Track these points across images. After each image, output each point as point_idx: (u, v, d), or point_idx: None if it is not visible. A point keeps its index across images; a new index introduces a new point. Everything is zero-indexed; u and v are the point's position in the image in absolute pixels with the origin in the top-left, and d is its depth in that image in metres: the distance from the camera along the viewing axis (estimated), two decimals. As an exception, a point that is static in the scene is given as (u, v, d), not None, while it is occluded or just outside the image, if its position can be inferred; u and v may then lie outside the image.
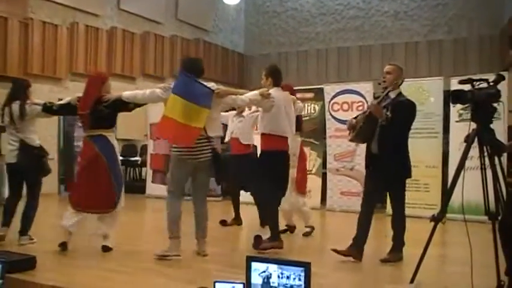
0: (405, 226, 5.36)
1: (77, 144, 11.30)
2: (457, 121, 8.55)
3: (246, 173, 7.13)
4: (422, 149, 8.75)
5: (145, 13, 14.34)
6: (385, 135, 5.09)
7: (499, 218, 3.81)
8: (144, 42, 14.22)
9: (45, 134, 11.28)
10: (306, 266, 3.14)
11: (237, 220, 7.77)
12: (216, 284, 3.36)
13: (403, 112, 5.10)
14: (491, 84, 3.77)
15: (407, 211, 8.53)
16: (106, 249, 5.51)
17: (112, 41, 13.31)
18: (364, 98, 9.39)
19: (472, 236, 3.95)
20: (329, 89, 10.01)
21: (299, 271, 3.14)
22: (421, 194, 8.81)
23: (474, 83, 3.78)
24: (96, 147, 5.43)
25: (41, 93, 10.37)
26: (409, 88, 9.04)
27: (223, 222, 7.67)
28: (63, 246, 5.43)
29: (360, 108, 9.18)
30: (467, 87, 3.86)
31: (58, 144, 12.09)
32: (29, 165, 5.78)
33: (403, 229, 5.34)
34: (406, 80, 9.68)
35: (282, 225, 6.32)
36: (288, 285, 3.18)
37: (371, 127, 5.15)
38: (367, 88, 9.50)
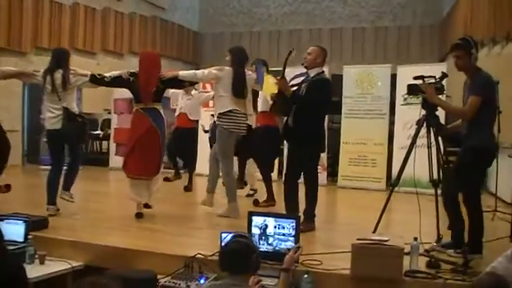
0: (316, 199, 5.69)
1: (44, 117, 11.73)
2: (402, 104, 9.57)
3: (188, 144, 8.66)
4: (371, 128, 9.81)
5: (106, -11, 14.72)
6: (300, 110, 5.50)
7: (440, 184, 4.82)
8: (104, 18, 14.58)
9: (8, 104, 11.72)
10: (297, 218, 4.04)
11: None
12: (222, 234, 4.20)
13: (315, 89, 5.50)
14: (438, 80, 4.74)
15: (358, 184, 9.71)
16: (148, 206, 6.29)
17: (74, 16, 13.62)
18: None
19: (416, 204, 4.88)
20: (288, 72, 10.81)
21: (291, 222, 4.04)
22: (369, 169, 9.85)
23: (425, 79, 4.73)
24: (151, 119, 5.99)
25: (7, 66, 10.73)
26: (360, 73, 10.07)
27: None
28: (139, 214, 6.10)
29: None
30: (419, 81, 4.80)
31: (22, 116, 12.45)
32: (73, 131, 6.03)
33: (314, 202, 5.65)
34: (357, 66, 10.77)
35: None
36: (281, 234, 4.07)
37: (283, 101, 5.65)
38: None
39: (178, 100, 8.98)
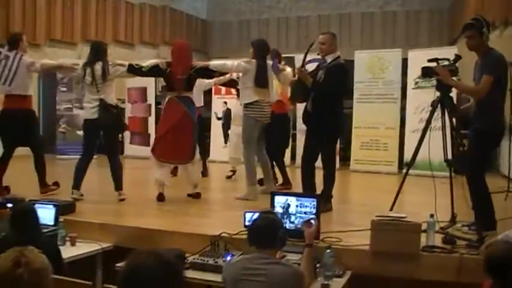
0: (334, 181, 5.89)
1: (59, 108, 11.98)
2: (413, 88, 9.69)
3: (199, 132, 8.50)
4: (382, 112, 9.95)
5: (115, -20, 14.85)
6: (319, 95, 5.68)
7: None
8: (115, 9, 14.73)
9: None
10: (317, 198, 4.21)
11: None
12: (246, 213, 4.39)
13: (334, 75, 5.65)
14: (452, 62, 4.88)
15: (370, 167, 9.87)
16: (198, 195, 6.52)
17: (86, 8, 13.78)
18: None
19: (428, 186, 5.07)
20: (300, 58, 10.96)
21: (312, 201, 4.22)
22: (380, 153, 9.98)
23: (439, 61, 4.86)
24: (185, 106, 6.29)
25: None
26: (371, 58, 10.18)
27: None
28: (161, 196, 6.33)
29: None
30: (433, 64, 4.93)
31: (38, 106, 12.64)
32: (108, 122, 6.23)
33: (331, 184, 5.85)
34: (368, 51, 10.86)
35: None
36: (303, 212, 4.26)
37: (302, 89, 5.82)
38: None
39: None
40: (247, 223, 4.42)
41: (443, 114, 4.97)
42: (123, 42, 14.99)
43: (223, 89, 10.84)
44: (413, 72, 9.62)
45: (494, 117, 4.69)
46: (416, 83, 9.58)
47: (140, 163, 9.80)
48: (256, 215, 3.54)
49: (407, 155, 9.42)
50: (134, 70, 6.41)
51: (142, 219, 5.31)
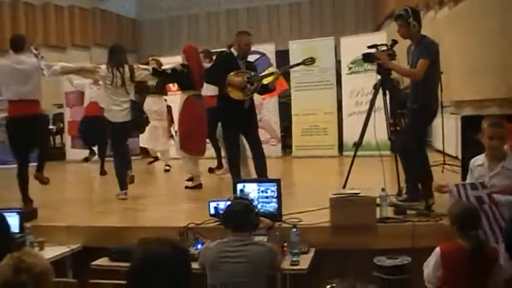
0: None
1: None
2: (347, 73, 10.15)
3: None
4: (320, 98, 10.35)
5: (42, -16, 14.57)
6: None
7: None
8: (44, 13, 14.48)
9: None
10: (278, 181, 4.48)
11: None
12: (210, 202, 4.61)
13: None
14: (389, 47, 5.24)
15: (311, 152, 10.25)
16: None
17: (15, 13, 13.48)
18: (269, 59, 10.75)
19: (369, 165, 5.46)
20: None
21: (273, 185, 4.48)
22: (321, 137, 10.41)
23: (378, 47, 5.22)
24: (202, 104, 6.85)
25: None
26: (306, 47, 10.51)
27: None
28: (201, 185, 6.96)
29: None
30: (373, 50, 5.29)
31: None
32: (141, 121, 6.65)
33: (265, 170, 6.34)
34: (302, 40, 11.20)
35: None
36: (264, 197, 4.51)
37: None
38: (270, 49, 10.85)
39: (87, 90, 9.54)
40: (212, 212, 4.65)
41: (384, 95, 5.34)
42: (55, 46, 14.73)
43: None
44: (347, 58, 10.08)
45: (428, 96, 5.09)
46: (350, 68, 10.03)
47: (85, 166, 9.80)
48: (227, 203, 3.76)
49: (346, 138, 9.90)
50: (158, 73, 6.89)
51: (106, 219, 5.43)
